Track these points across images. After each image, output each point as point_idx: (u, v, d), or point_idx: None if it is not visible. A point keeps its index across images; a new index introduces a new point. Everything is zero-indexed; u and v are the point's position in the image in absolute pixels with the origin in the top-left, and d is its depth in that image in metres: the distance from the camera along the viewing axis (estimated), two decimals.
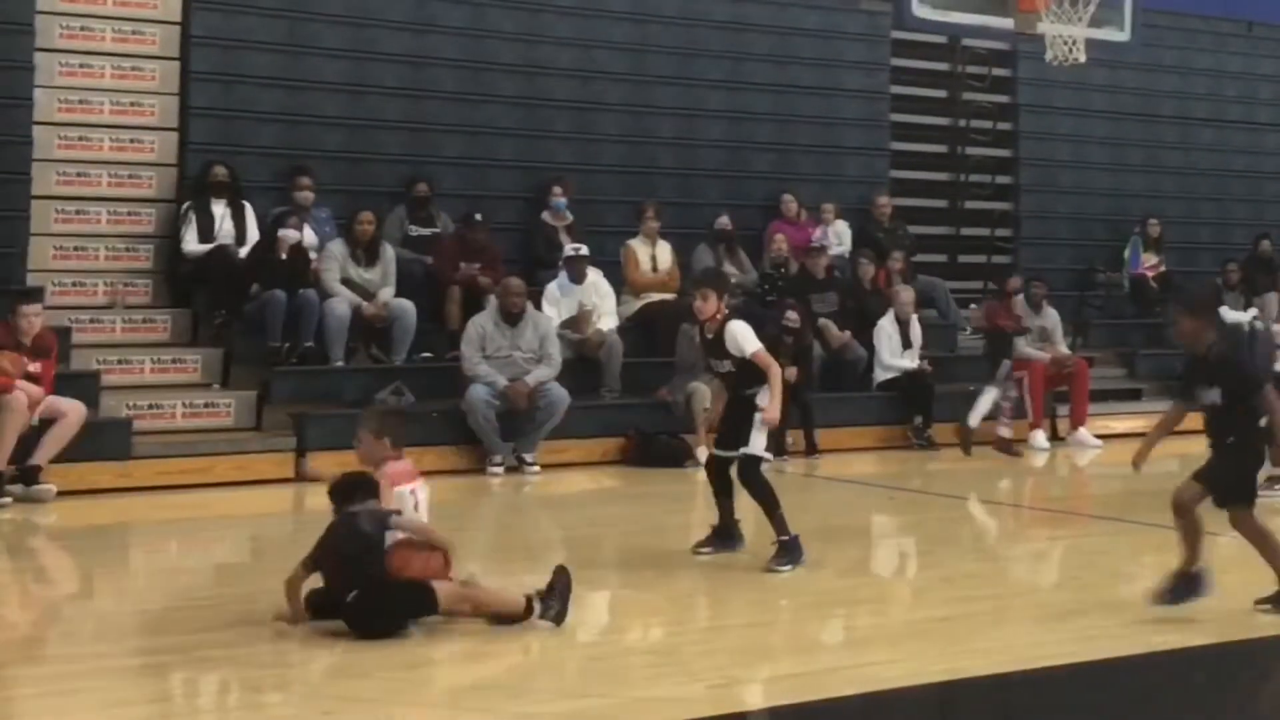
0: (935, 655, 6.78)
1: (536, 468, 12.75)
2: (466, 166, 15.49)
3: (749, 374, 8.69)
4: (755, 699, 6.08)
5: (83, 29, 14.10)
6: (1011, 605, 8.14)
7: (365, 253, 13.51)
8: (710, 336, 8.78)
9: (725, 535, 8.96)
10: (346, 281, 13.33)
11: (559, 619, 7.02)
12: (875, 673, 6.55)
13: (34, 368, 11.05)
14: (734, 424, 8.78)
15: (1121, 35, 14.94)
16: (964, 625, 6.94)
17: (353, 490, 7.09)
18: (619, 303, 14.48)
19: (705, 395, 13.26)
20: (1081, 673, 6.68)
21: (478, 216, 14.15)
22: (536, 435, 12.83)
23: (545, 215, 15.18)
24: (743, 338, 8.67)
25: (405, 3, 15.59)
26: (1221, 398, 7.17)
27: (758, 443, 8.66)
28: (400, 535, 6.97)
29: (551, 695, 6.22)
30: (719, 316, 8.73)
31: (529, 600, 7.02)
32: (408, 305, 13.43)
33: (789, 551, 8.59)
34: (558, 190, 15.18)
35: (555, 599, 7.07)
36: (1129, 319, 18.34)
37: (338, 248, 13.48)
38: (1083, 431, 15.28)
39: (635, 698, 6.26)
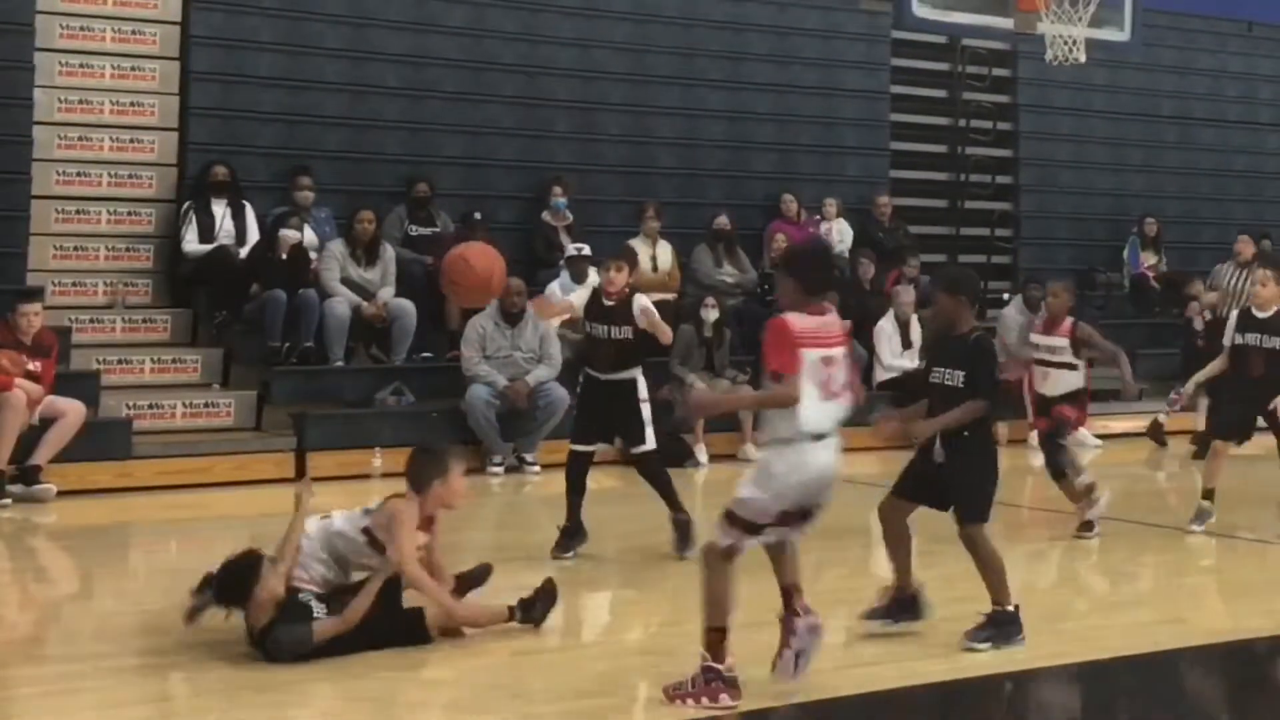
0: (935, 655, 6.78)
1: (537, 467, 12.76)
2: (466, 166, 15.50)
3: (638, 349, 8.98)
4: (755, 699, 6.08)
5: (83, 29, 14.11)
6: None
7: (365, 252, 13.52)
8: (612, 304, 9.03)
9: (576, 533, 9.07)
10: (346, 281, 13.34)
11: (538, 622, 7.09)
12: (875, 673, 6.55)
13: (34, 367, 11.06)
14: (615, 419, 9.03)
15: (1121, 35, 14.89)
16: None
17: (237, 585, 6.68)
18: None
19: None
20: (1081, 673, 6.69)
21: (478, 216, 14.18)
22: (537, 435, 12.84)
23: (545, 215, 15.18)
24: (650, 306, 9.05)
25: (405, 3, 15.59)
26: (963, 383, 6.97)
27: (652, 437, 9.03)
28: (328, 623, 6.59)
29: (551, 695, 6.22)
30: (626, 290, 9.05)
31: (510, 610, 7.04)
32: (408, 305, 13.43)
33: (686, 531, 8.93)
34: (558, 190, 15.19)
35: (538, 608, 7.10)
36: (1129, 319, 18.32)
37: (338, 248, 13.48)
38: (1083, 431, 15.22)
39: (635, 698, 6.27)
